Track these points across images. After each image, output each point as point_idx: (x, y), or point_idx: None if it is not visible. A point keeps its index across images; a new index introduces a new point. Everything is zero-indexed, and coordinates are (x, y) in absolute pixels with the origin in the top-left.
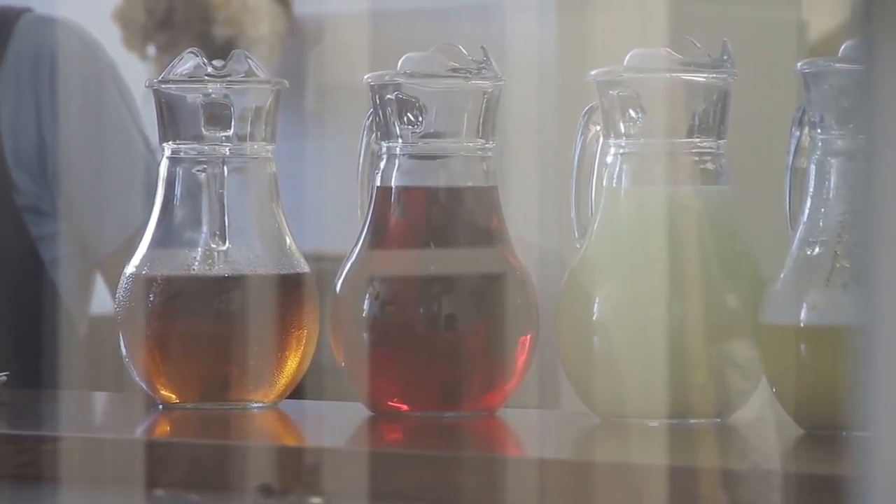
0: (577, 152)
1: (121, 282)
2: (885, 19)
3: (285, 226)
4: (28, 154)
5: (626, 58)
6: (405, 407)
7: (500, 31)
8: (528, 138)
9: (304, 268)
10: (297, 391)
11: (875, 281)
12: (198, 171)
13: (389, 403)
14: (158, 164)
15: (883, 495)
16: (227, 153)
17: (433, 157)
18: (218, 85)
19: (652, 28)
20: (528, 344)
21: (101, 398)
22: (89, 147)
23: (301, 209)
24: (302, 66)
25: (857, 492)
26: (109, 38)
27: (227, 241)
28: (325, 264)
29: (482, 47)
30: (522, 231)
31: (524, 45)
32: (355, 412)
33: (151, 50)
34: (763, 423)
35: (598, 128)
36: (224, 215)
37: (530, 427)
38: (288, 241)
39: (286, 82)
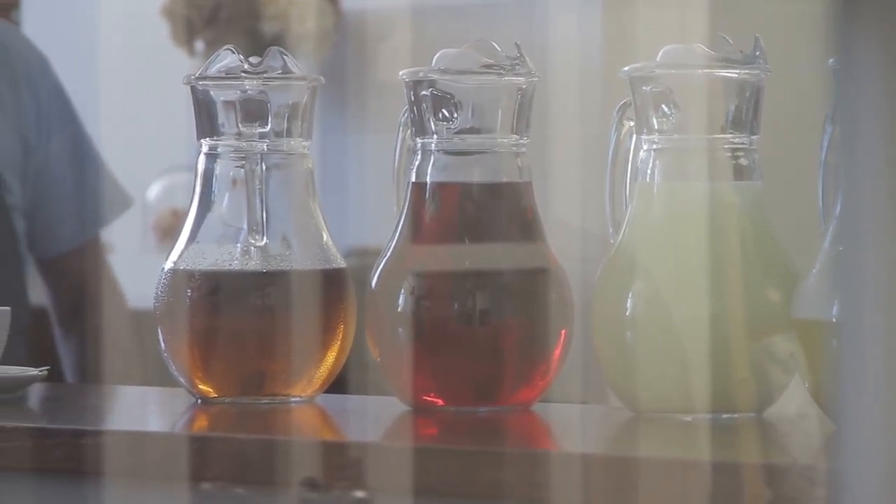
0: (612, 148)
1: (159, 277)
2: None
3: (322, 221)
4: (11, 152)
5: (660, 54)
6: (441, 402)
7: (543, 26)
8: (573, 133)
9: (341, 263)
10: (339, 386)
11: (855, 278)
12: (235, 167)
13: (425, 398)
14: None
15: (864, 489)
16: (265, 149)
17: (468, 153)
18: (254, 82)
19: (693, 23)
20: (563, 339)
21: (139, 392)
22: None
23: (345, 204)
24: (350, 62)
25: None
26: (157, 33)
27: (265, 237)
28: (369, 259)
29: (516, 44)
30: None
31: (568, 40)
32: (391, 407)
33: (199, 45)
34: (804, 417)
35: (632, 123)
36: (262, 211)
37: (565, 421)
38: (325, 236)
39: (322, 79)
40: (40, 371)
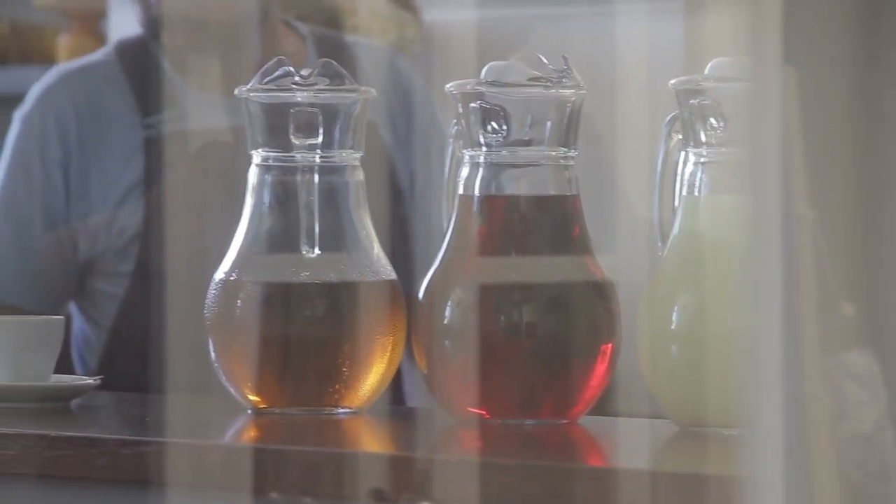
0: (660, 161)
1: (210, 287)
2: None
3: (373, 233)
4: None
5: (708, 66)
6: (486, 414)
7: (611, 36)
8: (641, 141)
9: (391, 274)
10: (398, 398)
11: (755, 287)
12: (287, 178)
13: (470, 410)
14: None
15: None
16: (317, 160)
17: (515, 166)
18: (306, 93)
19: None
20: (609, 352)
21: (189, 401)
22: None
23: None
24: (433, 73)
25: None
26: None
27: (317, 248)
28: None
29: (563, 56)
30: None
31: (637, 49)
32: (436, 418)
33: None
34: (881, 432)
35: (680, 137)
36: (314, 222)
37: (623, 435)
38: (375, 247)
39: (373, 91)
40: (94, 380)
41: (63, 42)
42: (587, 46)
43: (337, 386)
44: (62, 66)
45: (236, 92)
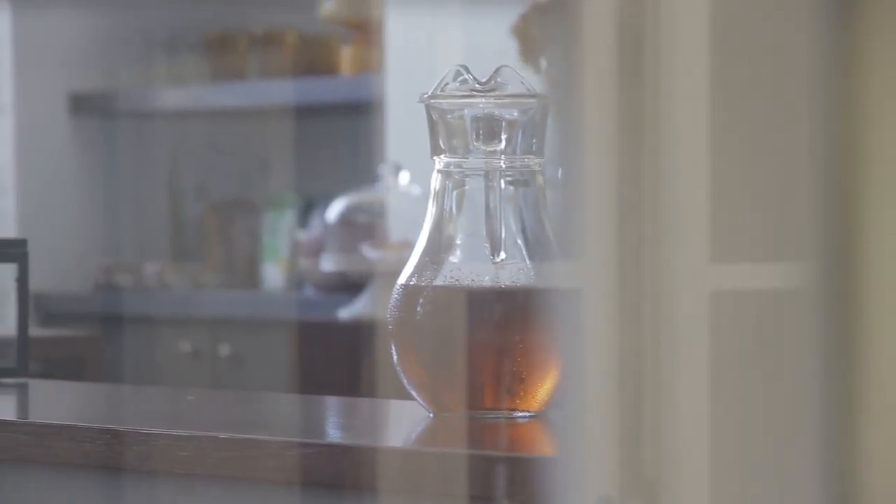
0: None
1: (393, 292)
2: None
3: (553, 238)
4: None
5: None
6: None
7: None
8: None
9: None
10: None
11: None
12: (469, 184)
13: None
14: None
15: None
16: (501, 166)
17: None
18: (487, 100)
19: None
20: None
21: (367, 405)
22: None
23: None
24: None
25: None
26: (507, 50)
27: (503, 253)
28: None
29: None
30: None
31: None
32: None
33: (543, 63)
34: None
35: None
36: (499, 228)
37: None
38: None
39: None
40: None
41: (346, 53)
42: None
43: (517, 390)
44: None
45: (419, 99)
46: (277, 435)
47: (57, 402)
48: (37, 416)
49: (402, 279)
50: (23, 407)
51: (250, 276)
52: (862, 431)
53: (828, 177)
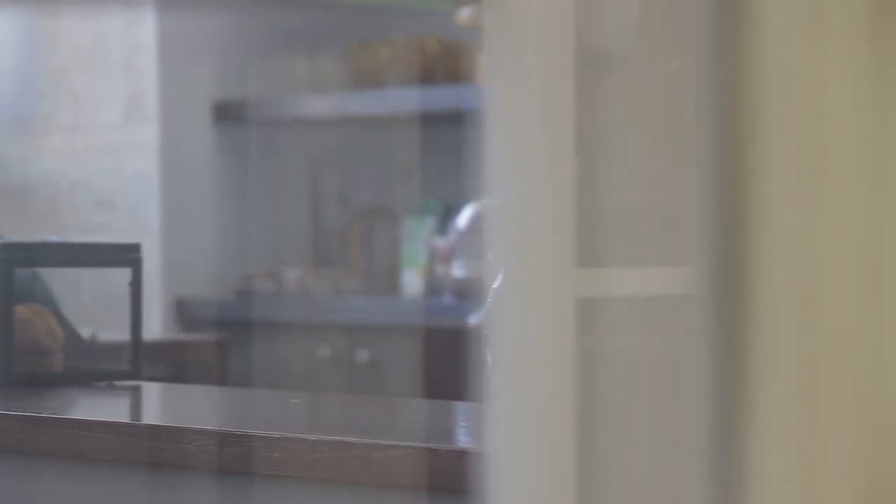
0: None
1: (486, 297)
2: None
3: None
4: None
5: None
6: None
7: None
8: None
9: None
10: None
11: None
12: None
13: None
14: None
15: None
16: None
17: None
18: None
19: None
20: None
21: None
22: None
23: None
24: None
25: None
26: None
27: None
28: None
29: None
30: None
31: None
32: None
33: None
34: None
35: None
36: None
37: None
38: None
39: None
40: None
41: (482, 61)
42: None
43: None
44: None
45: None
46: (374, 438)
47: (166, 405)
48: (146, 418)
49: (495, 283)
50: (135, 410)
51: (390, 282)
52: (749, 430)
53: (716, 178)
